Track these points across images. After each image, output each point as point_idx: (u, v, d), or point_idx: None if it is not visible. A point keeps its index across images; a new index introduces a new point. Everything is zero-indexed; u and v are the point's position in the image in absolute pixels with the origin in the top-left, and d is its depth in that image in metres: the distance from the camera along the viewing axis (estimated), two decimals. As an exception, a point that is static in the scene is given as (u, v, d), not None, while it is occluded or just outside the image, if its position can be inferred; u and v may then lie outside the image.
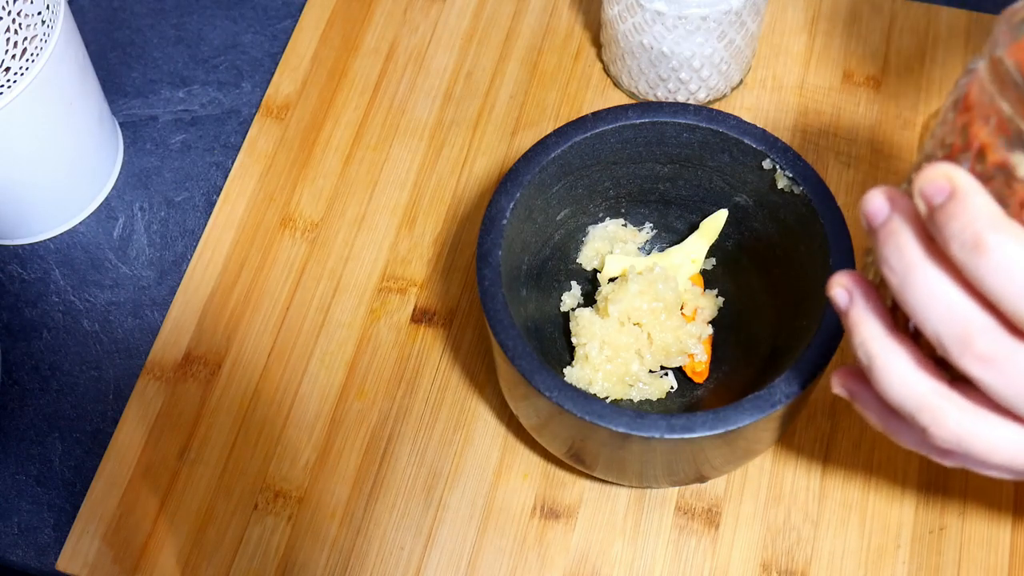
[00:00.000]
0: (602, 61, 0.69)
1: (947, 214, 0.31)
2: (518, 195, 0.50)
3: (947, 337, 0.32)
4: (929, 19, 0.69)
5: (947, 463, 0.37)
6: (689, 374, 0.56)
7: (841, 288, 0.36)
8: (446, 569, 0.55)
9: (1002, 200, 0.32)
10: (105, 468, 0.58)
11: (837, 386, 0.40)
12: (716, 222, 0.56)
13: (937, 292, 0.32)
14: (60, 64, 0.57)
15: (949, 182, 0.32)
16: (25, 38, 0.61)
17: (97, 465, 0.58)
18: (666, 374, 0.56)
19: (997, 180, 0.32)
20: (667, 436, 0.44)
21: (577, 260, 0.58)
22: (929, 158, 0.35)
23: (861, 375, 0.38)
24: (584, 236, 0.58)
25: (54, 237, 0.65)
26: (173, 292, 0.63)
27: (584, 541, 0.55)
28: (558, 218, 0.55)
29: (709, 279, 0.58)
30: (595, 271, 0.59)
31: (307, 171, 0.66)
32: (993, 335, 0.32)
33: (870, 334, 0.35)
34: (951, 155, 0.34)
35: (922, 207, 0.32)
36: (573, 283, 0.58)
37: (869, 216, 0.35)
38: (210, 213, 0.66)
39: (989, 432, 0.34)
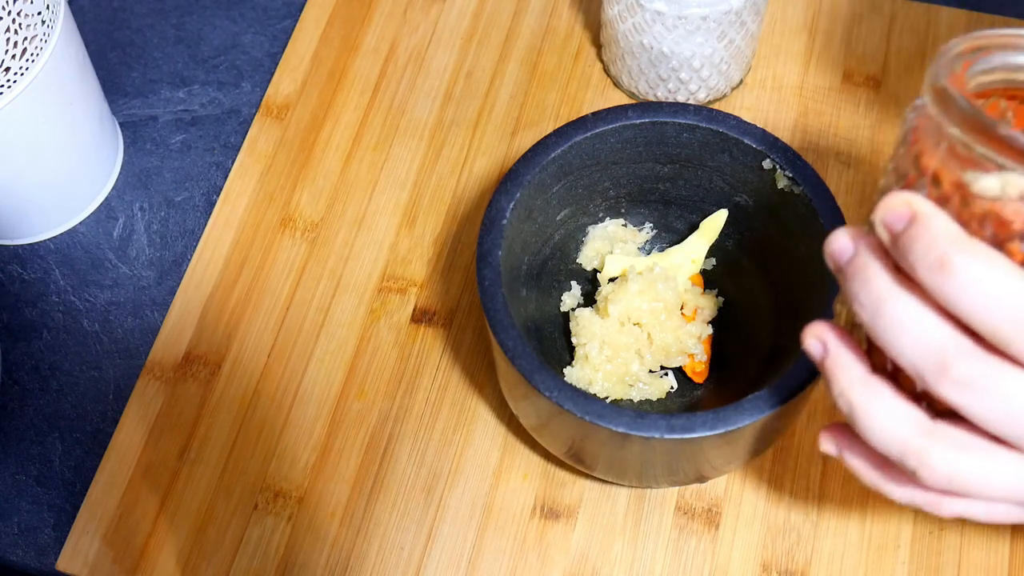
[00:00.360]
0: (602, 61, 0.69)
1: (910, 238, 0.31)
2: (518, 195, 0.50)
3: (924, 366, 0.31)
4: (929, 19, 0.69)
5: (949, 513, 0.35)
6: (689, 374, 0.56)
7: (814, 339, 0.35)
8: (446, 569, 0.55)
9: (961, 220, 0.32)
10: (105, 468, 0.58)
11: (825, 443, 0.38)
12: (716, 222, 0.56)
13: (909, 321, 0.32)
14: (60, 64, 0.57)
15: (908, 208, 0.32)
16: (25, 38, 0.61)
17: (97, 465, 0.58)
18: (666, 374, 0.56)
19: (954, 200, 0.33)
20: (667, 436, 0.44)
21: (577, 260, 0.58)
22: (886, 191, 0.35)
23: (847, 429, 0.37)
24: (584, 236, 0.58)
25: (54, 237, 0.65)
26: (173, 292, 0.63)
27: (584, 541, 0.55)
28: (558, 218, 0.55)
29: (709, 279, 0.58)
30: (595, 271, 0.59)
31: (307, 171, 0.66)
32: (970, 358, 0.31)
33: (848, 381, 0.34)
34: (907, 185, 0.34)
35: (885, 236, 0.32)
36: (573, 283, 0.58)
37: (834, 256, 0.34)
38: (210, 213, 0.66)
39: (981, 464, 0.32)
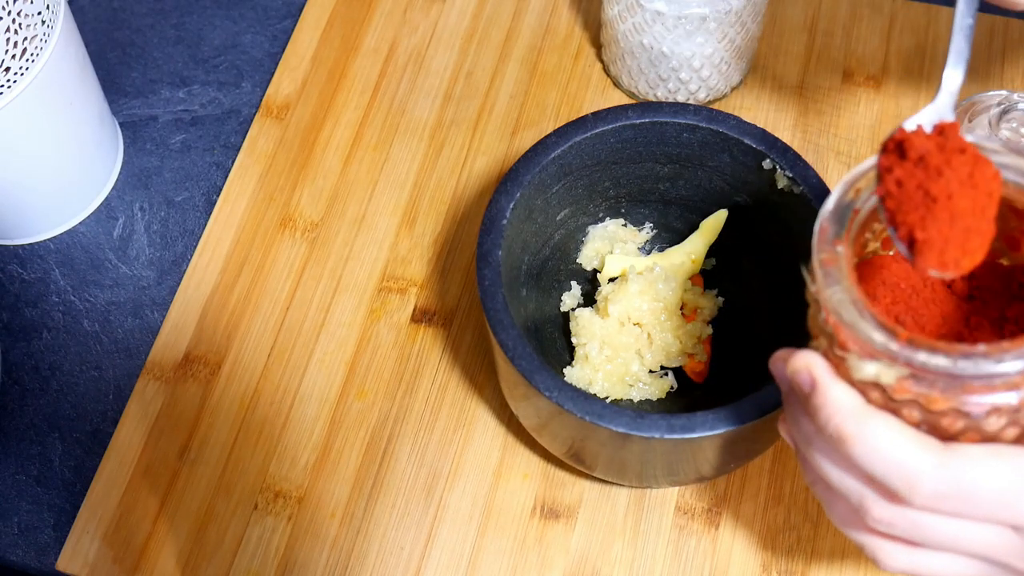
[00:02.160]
0: (602, 61, 0.69)
1: (813, 406, 0.35)
2: (518, 195, 0.50)
3: (850, 503, 0.36)
4: (929, 19, 0.69)
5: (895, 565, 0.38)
6: (689, 374, 0.56)
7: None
8: (446, 569, 0.55)
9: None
10: (105, 468, 0.58)
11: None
12: (716, 222, 0.56)
13: (827, 468, 0.36)
14: (60, 64, 0.57)
15: (809, 374, 0.36)
16: (25, 38, 0.61)
17: (97, 465, 0.58)
18: (666, 374, 0.56)
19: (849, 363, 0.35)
20: (667, 436, 0.44)
21: (577, 260, 0.58)
22: (812, 314, 0.38)
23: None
24: (584, 236, 0.58)
25: (54, 237, 0.65)
26: (173, 292, 0.63)
27: (584, 541, 0.55)
28: (558, 218, 0.55)
29: (709, 279, 0.58)
30: (595, 271, 0.59)
31: (307, 171, 0.66)
32: (882, 503, 0.35)
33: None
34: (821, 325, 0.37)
35: (798, 391, 0.36)
36: (573, 283, 0.58)
37: (776, 379, 0.39)
38: (210, 213, 0.66)
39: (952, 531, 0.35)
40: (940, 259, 0.34)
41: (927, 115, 0.38)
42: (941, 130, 0.36)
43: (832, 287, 0.35)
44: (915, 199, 0.35)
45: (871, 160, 0.37)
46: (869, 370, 0.34)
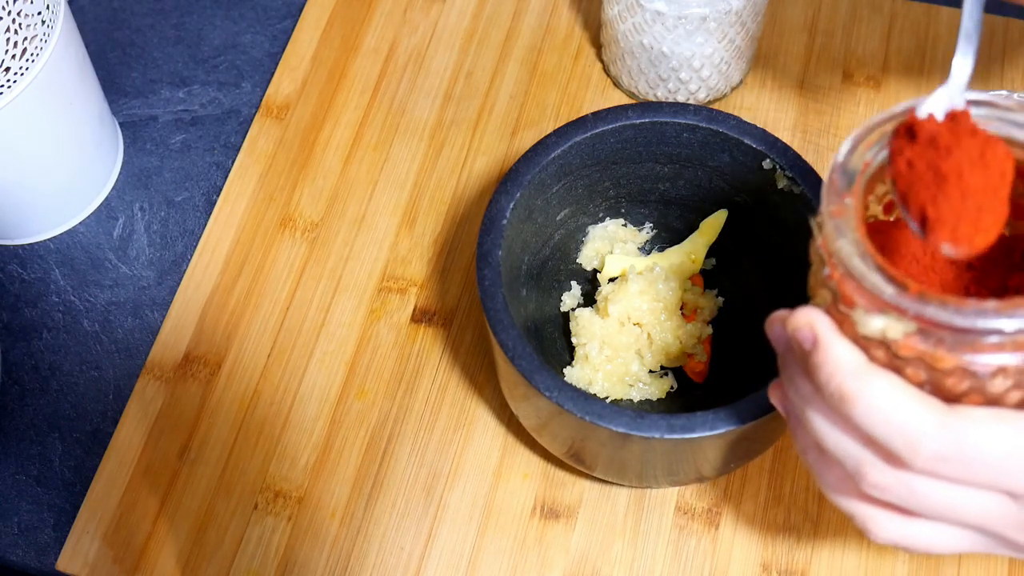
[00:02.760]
0: (602, 61, 0.69)
1: (814, 364, 0.34)
2: (518, 195, 0.50)
3: (846, 468, 0.35)
4: (929, 19, 0.69)
5: (881, 532, 0.37)
6: (689, 374, 0.56)
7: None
8: (446, 569, 0.55)
9: (860, 341, 0.35)
10: (105, 468, 0.58)
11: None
12: (716, 222, 0.56)
13: (824, 430, 0.35)
14: (60, 64, 0.57)
15: (811, 330, 0.35)
16: (25, 38, 0.61)
17: (97, 465, 0.58)
18: (666, 374, 0.56)
19: (854, 319, 0.34)
20: (667, 436, 0.44)
21: (577, 260, 0.58)
22: (814, 272, 0.37)
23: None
24: (584, 236, 0.58)
25: (54, 237, 0.65)
26: (173, 292, 0.63)
27: (584, 541, 0.55)
28: (558, 218, 0.55)
29: (709, 279, 0.58)
30: (595, 271, 0.59)
31: (307, 171, 0.66)
32: (880, 467, 0.34)
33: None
34: (822, 280, 0.36)
35: (798, 349, 0.36)
36: (573, 283, 0.58)
37: (773, 342, 0.38)
38: (210, 213, 0.66)
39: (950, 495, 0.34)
40: (953, 235, 0.35)
41: (938, 101, 0.37)
42: (953, 116, 0.36)
43: (840, 239, 0.34)
44: (926, 178, 0.35)
45: (882, 114, 0.37)
46: (876, 324, 0.33)
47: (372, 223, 0.64)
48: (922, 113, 0.36)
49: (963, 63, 0.38)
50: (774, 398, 0.39)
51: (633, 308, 0.54)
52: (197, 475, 0.57)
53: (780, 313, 0.37)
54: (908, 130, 0.36)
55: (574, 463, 0.52)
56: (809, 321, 0.35)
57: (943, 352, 0.33)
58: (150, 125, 0.69)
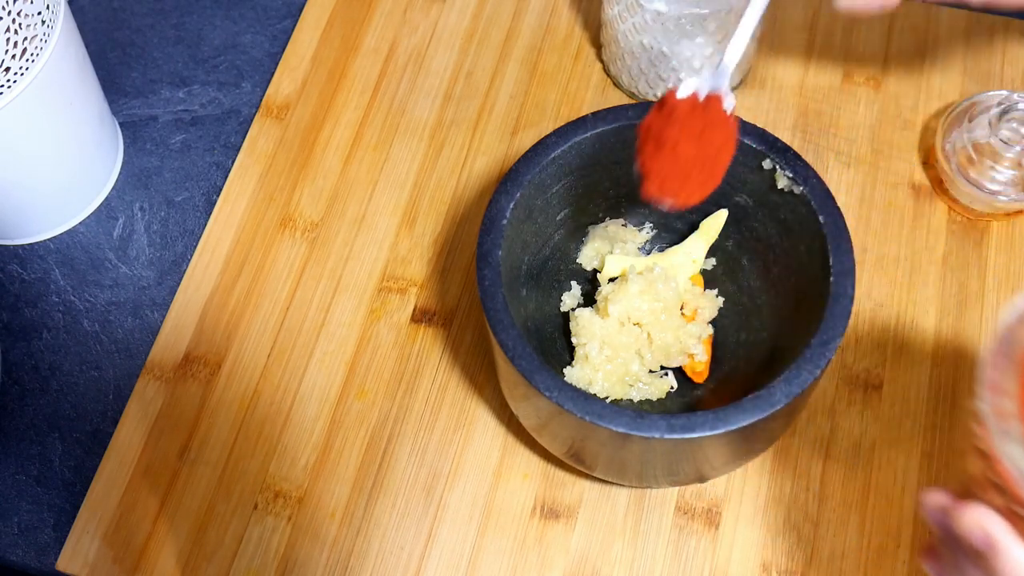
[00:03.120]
0: (602, 61, 0.69)
1: (993, 569, 0.34)
2: (518, 195, 0.50)
3: None
4: (929, 19, 0.69)
5: None
6: (689, 374, 0.56)
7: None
8: (446, 569, 0.55)
9: None
10: (105, 468, 0.58)
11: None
12: (716, 222, 0.56)
13: None
14: (60, 64, 0.57)
15: (984, 533, 0.34)
16: (25, 38, 0.61)
17: (97, 465, 0.58)
18: (666, 374, 0.56)
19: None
20: (667, 436, 0.44)
21: (577, 260, 0.58)
22: (972, 469, 0.36)
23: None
24: (584, 236, 0.58)
25: (54, 237, 0.65)
26: (173, 292, 0.63)
27: (584, 541, 0.55)
28: (558, 218, 0.55)
29: (709, 279, 0.58)
30: (595, 271, 0.58)
31: (307, 171, 0.66)
32: None
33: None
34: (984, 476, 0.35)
35: (967, 545, 0.35)
36: (573, 283, 0.58)
37: (929, 520, 0.37)
38: (210, 213, 0.66)
39: None
40: (659, 189, 0.45)
41: (692, 86, 0.46)
42: (709, 98, 0.45)
43: (1009, 444, 0.33)
44: (653, 141, 0.45)
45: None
46: None
47: (372, 223, 0.64)
48: (681, 93, 0.45)
49: (734, 50, 0.45)
50: (929, 567, 0.38)
51: (633, 308, 0.54)
52: (197, 475, 0.57)
53: (938, 498, 0.36)
54: (664, 102, 0.45)
55: (574, 463, 0.52)
56: (981, 524, 0.34)
57: None
58: (150, 125, 0.69)
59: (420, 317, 0.61)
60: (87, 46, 0.63)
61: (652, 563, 0.54)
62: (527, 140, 0.67)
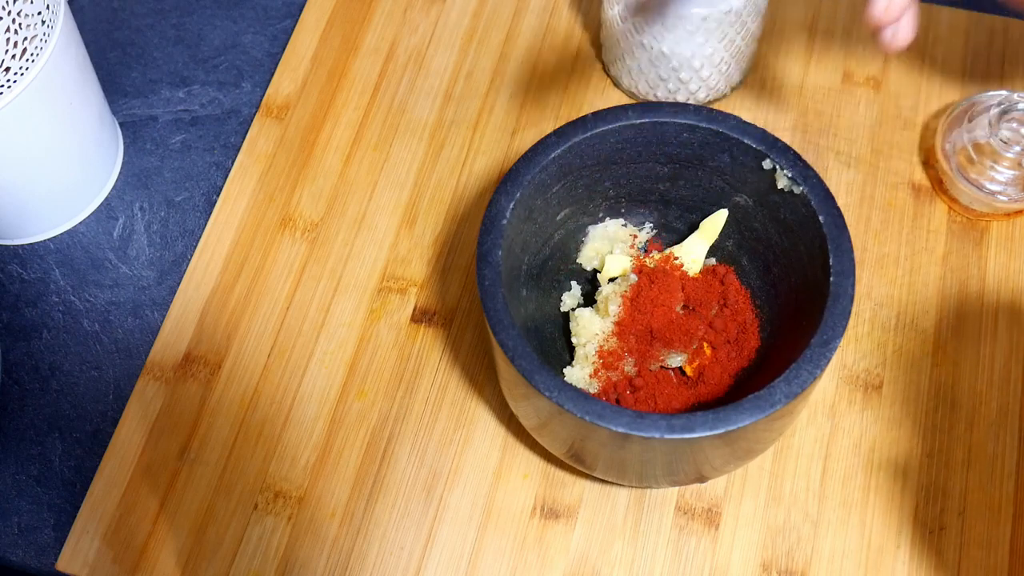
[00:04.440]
0: (602, 61, 0.69)
1: None
2: (518, 195, 0.50)
3: None
4: (929, 19, 0.69)
5: None
6: (689, 374, 0.56)
7: None
8: (446, 569, 0.55)
9: None
10: (105, 468, 0.58)
11: None
12: (716, 222, 0.56)
13: None
14: (60, 64, 0.57)
15: None
16: (25, 38, 0.61)
17: (97, 465, 0.58)
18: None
19: None
20: (667, 436, 0.44)
21: (577, 260, 0.58)
22: None
23: None
24: (584, 236, 0.58)
25: (54, 237, 0.65)
26: (173, 292, 0.63)
27: (584, 541, 0.55)
28: (558, 218, 0.55)
29: (709, 279, 0.58)
30: (595, 271, 0.59)
31: (307, 171, 0.66)
32: None
33: None
34: None
35: None
36: (573, 283, 0.58)
37: None
38: (210, 213, 0.66)
39: None
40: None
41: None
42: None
43: None
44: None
45: None
46: None
47: (372, 223, 0.64)
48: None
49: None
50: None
51: (633, 308, 0.54)
52: (197, 475, 0.57)
53: None
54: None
55: (574, 463, 0.52)
56: None
57: None
58: (150, 125, 0.69)
59: (420, 317, 0.61)
60: (87, 46, 0.63)
61: (652, 563, 0.54)
62: (527, 140, 0.67)
